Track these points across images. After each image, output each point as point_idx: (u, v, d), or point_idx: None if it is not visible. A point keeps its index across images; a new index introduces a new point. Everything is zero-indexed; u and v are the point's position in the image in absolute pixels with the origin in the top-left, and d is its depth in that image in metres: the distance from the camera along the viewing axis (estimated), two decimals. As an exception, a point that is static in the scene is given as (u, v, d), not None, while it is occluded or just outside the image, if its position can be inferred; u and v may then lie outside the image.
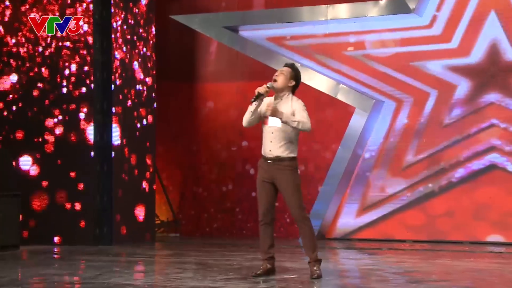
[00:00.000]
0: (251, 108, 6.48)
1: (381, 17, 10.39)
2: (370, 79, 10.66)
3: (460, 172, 10.26)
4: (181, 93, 11.90)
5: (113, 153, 9.84)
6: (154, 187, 10.66)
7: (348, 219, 10.76)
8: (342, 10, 10.57)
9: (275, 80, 6.52)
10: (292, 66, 6.66)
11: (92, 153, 9.71)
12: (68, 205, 9.72)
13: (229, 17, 11.16)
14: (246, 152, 11.47)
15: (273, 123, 6.47)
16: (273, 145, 6.48)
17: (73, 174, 9.71)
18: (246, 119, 6.53)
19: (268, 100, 6.56)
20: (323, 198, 10.59)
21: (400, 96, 10.56)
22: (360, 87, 10.65)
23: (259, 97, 6.45)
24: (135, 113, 10.30)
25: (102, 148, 9.77)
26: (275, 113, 6.36)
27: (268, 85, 6.48)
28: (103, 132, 9.80)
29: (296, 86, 6.64)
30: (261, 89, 6.43)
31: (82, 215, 9.69)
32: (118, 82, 9.97)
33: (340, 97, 10.60)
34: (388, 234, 10.59)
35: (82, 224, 9.69)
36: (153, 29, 10.74)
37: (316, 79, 10.67)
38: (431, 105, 10.41)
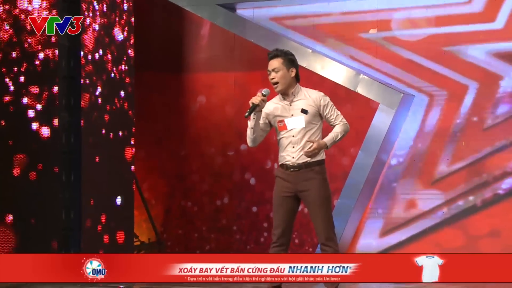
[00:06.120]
0: (251, 124, 6.54)
1: (411, -8, 10.42)
2: (397, 69, 10.62)
3: (507, 183, 10.15)
4: (166, 86, 11.91)
5: (81, 160, 9.74)
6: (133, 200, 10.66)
7: (370, 240, 10.71)
8: (363, -17, 10.56)
9: (274, 83, 6.55)
10: (279, 54, 6.64)
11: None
12: (27, 221, 9.59)
13: (225, -7, 11.15)
14: (246, 157, 11.42)
15: (294, 125, 6.53)
16: (296, 150, 6.53)
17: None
18: (250, 138, 6.64)
19: (272, 108, 6.59)
20: (340, 213, 10.50)
21: (432, 90, 10.50)
22: (384, 78, 10.59)
23: (255, 109, 6.46)
24: (109, 111, 10.24)
25: (68, 153, 9.69)
26: (320, 149, 6.51)
27: (263, 92, 6.50)
28: (69, 133, 9.71)
29: (297, 71, 6.65)
30: (255, 100, 6.45)
31: (45, 233, 9.57)
32: (88, 72, 9.86)
33: (361, 90, 10.51)
34: (419, 258, 10.50)
35: (45, 244, 9.53)
36: (128, 6, 10.65)
37: (330, 68, 10.60)
38: (471, 100, 10.35)
